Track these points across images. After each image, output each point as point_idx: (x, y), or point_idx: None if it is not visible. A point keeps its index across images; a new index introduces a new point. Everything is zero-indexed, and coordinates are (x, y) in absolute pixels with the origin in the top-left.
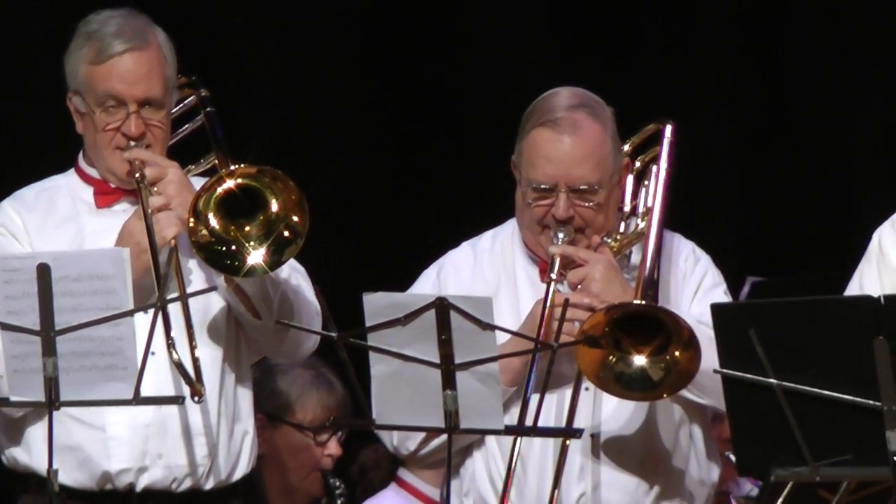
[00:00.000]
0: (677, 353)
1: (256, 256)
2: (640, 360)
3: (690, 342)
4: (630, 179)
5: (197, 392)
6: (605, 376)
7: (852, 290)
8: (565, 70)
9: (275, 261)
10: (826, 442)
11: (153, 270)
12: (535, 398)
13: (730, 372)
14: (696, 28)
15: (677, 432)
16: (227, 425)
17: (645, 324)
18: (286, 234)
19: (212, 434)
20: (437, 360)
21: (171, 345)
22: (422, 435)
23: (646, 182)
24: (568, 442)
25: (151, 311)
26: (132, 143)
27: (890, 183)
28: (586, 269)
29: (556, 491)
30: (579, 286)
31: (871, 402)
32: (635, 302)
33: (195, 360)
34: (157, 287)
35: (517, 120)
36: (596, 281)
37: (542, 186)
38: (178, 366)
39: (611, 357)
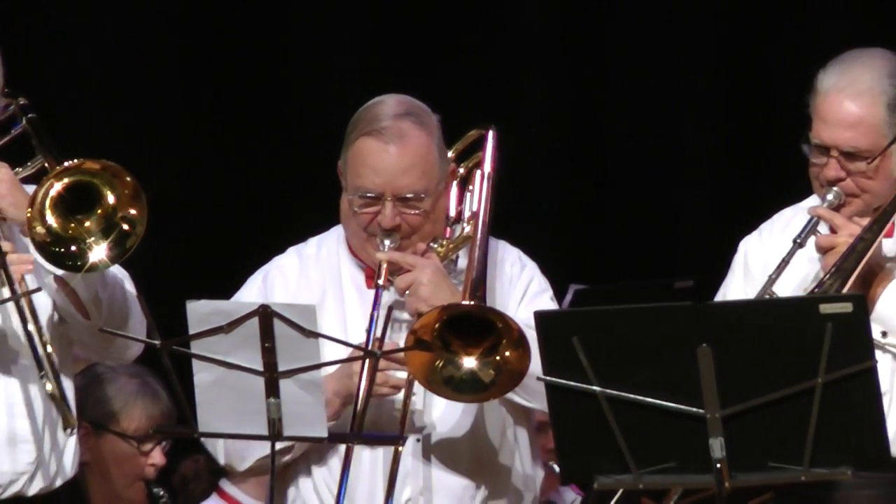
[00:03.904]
0: (507, 353)
1: (98, 252)
2: (469, 362)
3: (520, 341)
4: (455, 186)
5: (71, 424)
6: (434, 380)
7: (718, 300)
8: (389, 75)
9: (116, 254)
10: (650, 449)
11: None
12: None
13: (553, 379)
14: (515, 34)
15: (503, 434)
16: (51, 431)
17: (474, 325)
18: (125, 226)
19: (37, 440)
20: (261, 368)
21: (44, 375)
22: (250, 461)
23: (470, 188)
24: (401, 448)
25: None
26: None
27: (712, 192)
28: (414, 275)
29: (391, 499)
30: (407, 292)
31: (694, 409)
32: (464, 303)
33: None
34: None
35: (343, 125)
36: (424, 285)
37: (369, 195)
38: (53, 397)
39: (438, 361)
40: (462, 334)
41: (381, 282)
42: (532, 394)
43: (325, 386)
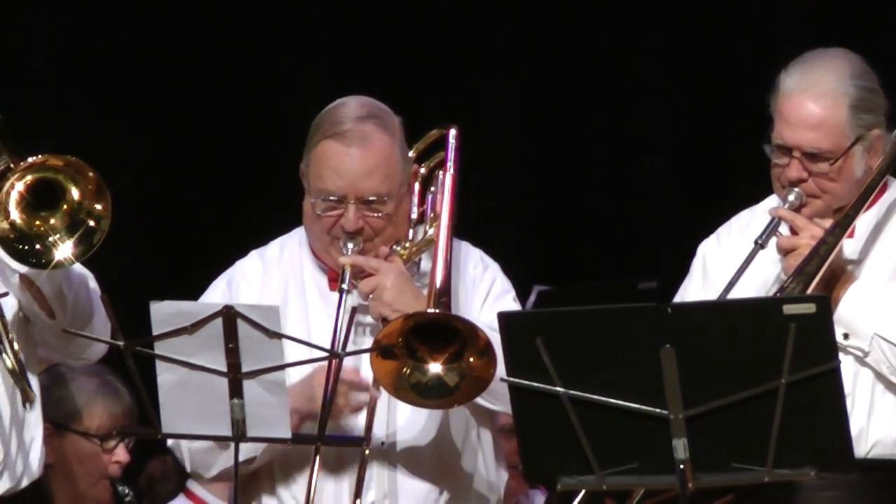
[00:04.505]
0: (472, 360)
1: (64, 250)
2: (435, 368)
3: (486, 349)
4: (417, 186)
5: (30, 399)
6: (401, 386)
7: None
8: (353, 76)
9: (82, 251)
10: (613, 450)
11: None
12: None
13: (517, 380)
14: (480, 35)
15: (467, 438)
16: (17, 431)
17: (440, 331)
18: (90, 222)
19: (3, 440)
20: (225, 369)
21: (1, 350)
22: (219, 467)
23: (432, 188)
24: (367, 451)
25: None
26: None
27: (677, 194)
28: (377, 279)
29: (358, 501)
30: (371, 296)
31: (657, 410)
32: (430, 311)
33: (18, 362)
34: None
35: (305, 127)
36: (388, 290)
37: (331, 198)
38: (13, 373)
39: (405, 368)
40: (427, 340)
41: (344, 286)
42: (496, 396)
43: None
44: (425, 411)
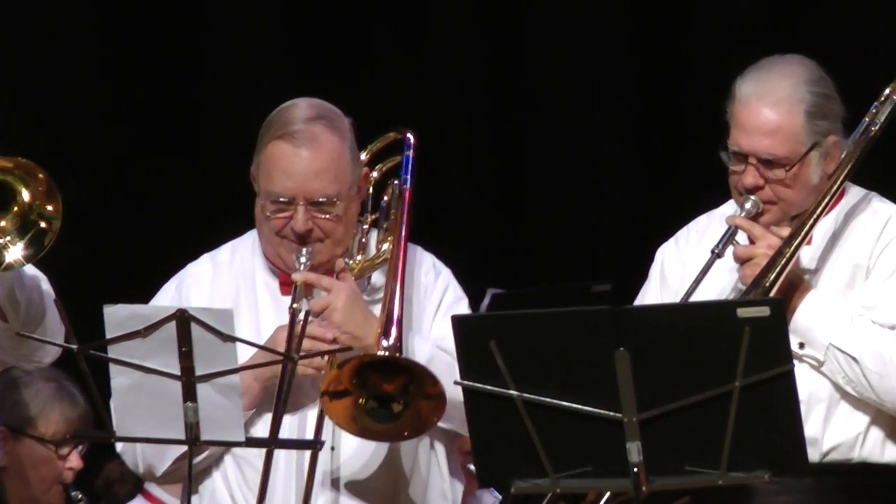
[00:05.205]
0: (423, 402)
1: (15, 252)
2: (386, 397)
3: (436, 396)
4: (370, 190)
5: None
6: (358, 415)
7: None
8: (304, 80)
9: (33, 253)
10: (567, 453)
11: None
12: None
13: (471, 384)
14: (435, 40)
15: (419, 448)
16: None
17: (389, 364)
18: (42, 224)
19: None
20: (178, 372)
21: None
22: (169, 460)
23: (385, 197)
24: (317, 457)
25: None
26: None
27: (631, 195)
28: (328, 299)
29: None
30: (321, 315)
31: (611, 413)
32: (379, 353)
33: None
34: None
35: (256, 131)
36: (338, 311)
37: (281, 199)
38: None
39: (360, 399)
40: (378, 370)
41: (295, 305)
42: (448, 417)
43: (244, 374)
44: None
